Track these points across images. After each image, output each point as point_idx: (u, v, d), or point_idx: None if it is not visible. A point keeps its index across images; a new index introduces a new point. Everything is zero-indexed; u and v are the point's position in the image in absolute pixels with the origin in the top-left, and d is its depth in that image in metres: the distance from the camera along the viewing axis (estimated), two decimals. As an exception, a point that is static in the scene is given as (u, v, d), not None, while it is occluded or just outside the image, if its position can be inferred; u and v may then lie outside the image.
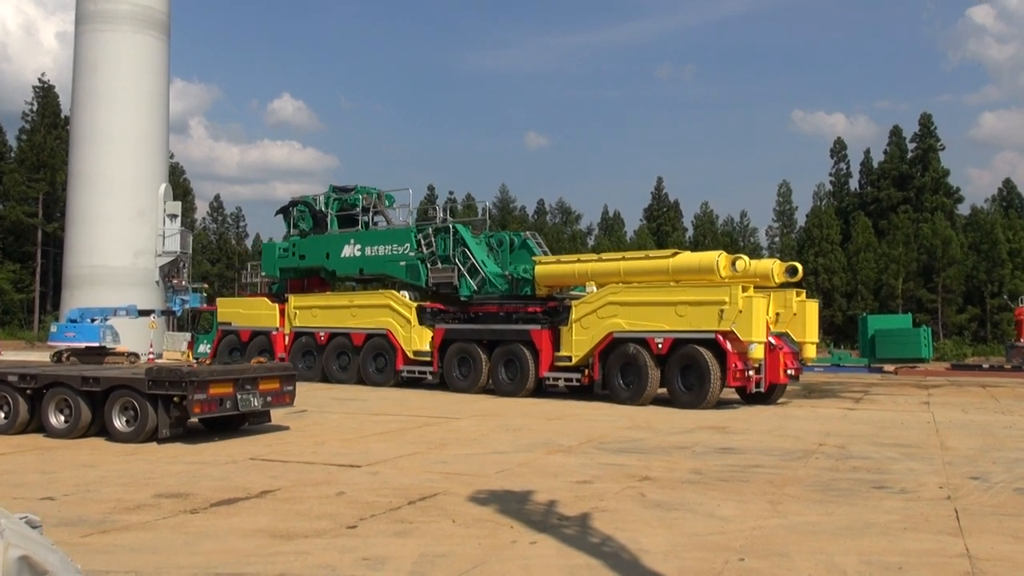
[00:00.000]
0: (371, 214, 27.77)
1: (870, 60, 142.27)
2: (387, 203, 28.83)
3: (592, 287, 21.99)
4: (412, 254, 25.48)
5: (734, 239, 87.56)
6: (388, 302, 25.30)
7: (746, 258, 21.17)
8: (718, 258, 20.33)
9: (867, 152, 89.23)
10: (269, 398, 13.97)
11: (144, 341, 40.77)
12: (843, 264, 74.95)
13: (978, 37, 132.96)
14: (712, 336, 19.40)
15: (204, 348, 30.43)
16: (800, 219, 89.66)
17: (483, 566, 6.37)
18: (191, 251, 48.89)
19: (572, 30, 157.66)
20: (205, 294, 53.69)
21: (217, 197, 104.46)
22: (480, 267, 24.25)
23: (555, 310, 22.40)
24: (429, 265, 25.07)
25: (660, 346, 20.01)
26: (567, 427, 15.79)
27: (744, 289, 19.38)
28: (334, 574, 6.14)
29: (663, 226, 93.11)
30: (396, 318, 25.02)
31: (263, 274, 30.51)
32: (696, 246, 79.50)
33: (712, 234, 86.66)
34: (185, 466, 10.87)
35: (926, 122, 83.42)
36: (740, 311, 19.05)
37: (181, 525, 7.64)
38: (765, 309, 20.09)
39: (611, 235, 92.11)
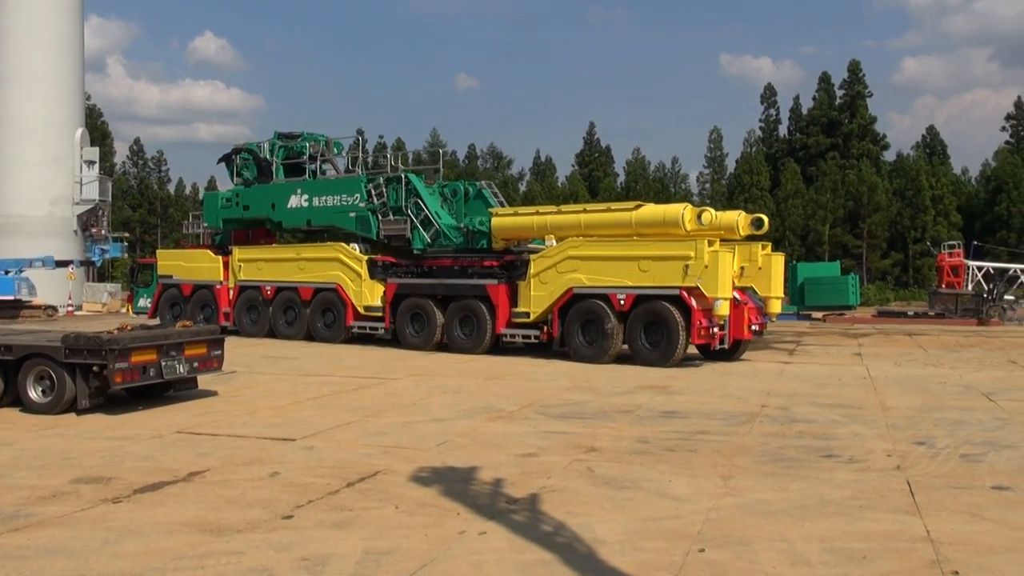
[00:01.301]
0: (319, 163, 26.48)
1: (795, 5, 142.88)
2: (335, 151, 27.69)
3: (551, 241, 21.34)
4: (362, 205, 24.40)
5: (665, 185, 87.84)
6: (337, 255, 24.35)
7: (712, 211, 20.54)
8: (683, 211, 19.61)
9: (796, 99, 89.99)
10: (196, 364, 13.33)
11: (62, 293, 39.37)
12: (772, 210, 75.78)
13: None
14: (676, 292, 18.82)
15: (144, 302, 29.11)
16: (731, 165, 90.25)
17: (432, 564, 5.97)
18: (111, 198, 47.14)
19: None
20: (126, 243, 52.12)
21: (137, 140, 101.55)
22: (434, 219, 23.26)
23: (512, 264, 21.62)
24: (380, 217, 24.06)
25: (622, 302, 19.38)
26: (507, 388, 15.45)
27: (710, 243, 18.83)
28: (271, 579, 5.69)
29: (595, 171, 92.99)
30: (346, 272, 24.11)
31: (205, 225, 29.14)
32: (628, 192, 79.63)
33: (644, 180, 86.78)
34: (107, 442, 10.24)
35: (854, 69, 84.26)
36: (706, 266, 18.47)
37: (102, 518, 7.08)
38: (731, 264, 19.55)
39: (543, 181, 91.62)
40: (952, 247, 52.45)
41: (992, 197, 75.77)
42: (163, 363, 12.57)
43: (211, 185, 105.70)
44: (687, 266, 18.62)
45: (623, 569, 5.92)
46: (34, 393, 12.26)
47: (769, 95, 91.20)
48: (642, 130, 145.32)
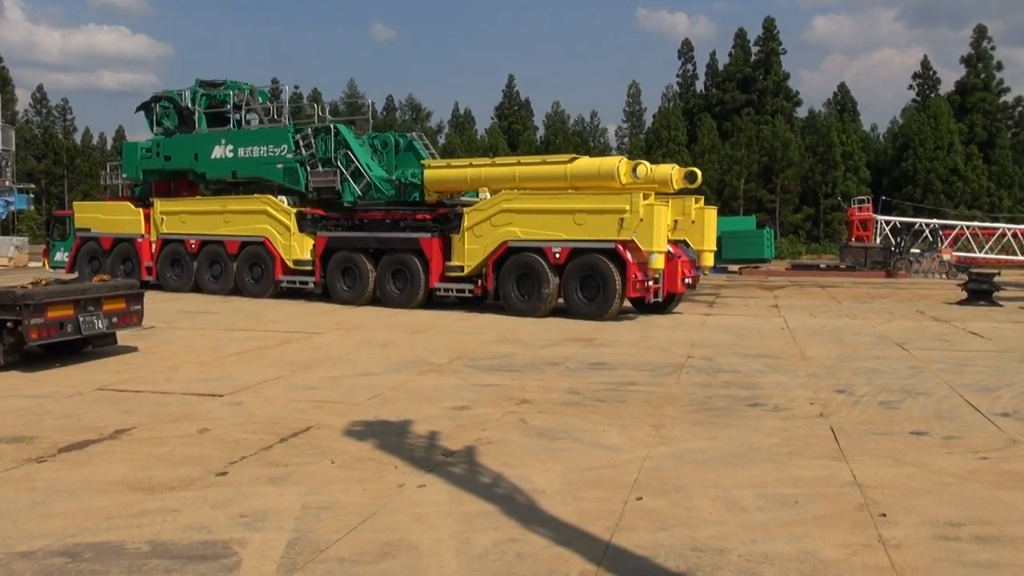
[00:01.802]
0: (243, 112, 25.56)
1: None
2: (260, 100, 26.72)
3: (485, 193, 21.05)
4: (290, 156, 23.65)
5: (584, 139, 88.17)
6: (265, 208, 23.70)
7: (647, 164, 20.40)
8: (619, 164, 19.51)
9: (712, 55, 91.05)
10: (115, 319, 12.94)
11: (-35, 247, 37.80)
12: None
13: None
14: (612, 246, 18.77)
15: (61, 256, 27.88)
16: (648, 120, 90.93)
17: (373, 518, 5.95)
18: (14, 148, 45.23)
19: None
20: (32, 195, 50.21)
21: (40, 88, 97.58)
22: (365, 171, 22.68)
23: (446, 217, 21.30)
24: (309, 168, 23.34)
25: (558, 256, 19.31)
26: (434, 342, 15.41)
27: (645, 197, 18.72)
28: (210, 536, 5.59)
29: (514, 124, 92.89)
30: (274, 225, 23.48)
31: (124, 176, 27.96)
32: (547, 146, 79.77)
33: (564, 134, 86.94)
34: (25, 400, 9.90)
35: (769, 26, 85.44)
36: (641, 219, 18.42)
37: (27, 479, 6.86)
38: (666, 217, 19.55)
39: (462, 134, 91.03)
40: (861, 202, 53.89)
41: (899, 154, 78.02)
42: (81, 319, 12.18)
43: (119, 135, 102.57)
44: (622, 219, 18.57)
45: (564, 518, 5.98)
46: (-57, 350, 11.76)
47: (686, 50, 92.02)
48: (561, 84, 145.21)
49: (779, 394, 10.67)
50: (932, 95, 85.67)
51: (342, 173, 22.86)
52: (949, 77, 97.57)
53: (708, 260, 22.82)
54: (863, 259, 46.83)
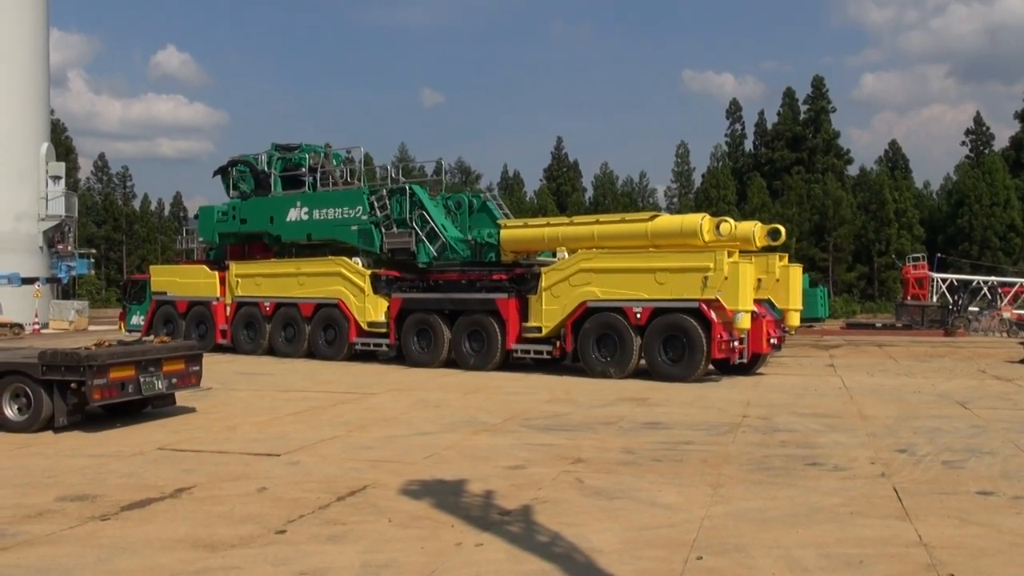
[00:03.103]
0: (318, 174, 25.51)
1: (755, 21, 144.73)
2: (335, 162, 26.87)
3: (563, 253, 20.76)
4: (365, 217, 23.62)
5: (634, 199, 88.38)
6: (339, 269, 23.63)
7: (731, 221, 19.90)
8: (701, 221, 19.10)
9: (761, 113, 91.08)
10: (174, 380, 13.16)
11: (29, 311, 38.81)
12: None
13: (858, 1, 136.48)
14: (696, 305, 18.23)
15: (137, 320, 28.19)
16: (697, 179, 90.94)
17: (432, 577, 5.95)
18: (76, 214, 46.55)
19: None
20: (92, 260, 51.50)
21: (102, 156, 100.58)
22: (440, 231, 22.50)
23: (522, 277, 20.93)
24: (384, 229, 23.26)
25: (639, 316, 18.79)
26: (487, 402, 15.42)
27: (730, 254, 18.27)
28: (271, 593, 5.63)
29: (563, 186, 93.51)
30: (348, 287, 23.40)
31: (200, 239, 28.35)
32: (596, 207, 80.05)
33: (612, 194, 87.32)
34: (88, 460, 10.10)
35: (818, 84, 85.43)
36: (726, 278, 17.91)
37: (92, 535, 6.98)
38: (752, 275, 18.96)
39: (511, 195, 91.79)
40: (917, 260, 53.22)
41: (954, 210, 76.95)
42: (142, 379, 12.41)
43: (177, 200, 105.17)
44: (706, 278, 18.10)
45: (624, 578, 5.93)
46: (10, 411, 12.03)
47: (734, 110, 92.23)
48: (610, 144, 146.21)
49: (838, 453, 10.49)
50: (986, 151, 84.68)
51: (417, 234, 22.72)
52: (1003, 133, 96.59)
53: (794, 320, 21.85)
54: (920, 318, 46.09)
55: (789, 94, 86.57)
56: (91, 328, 40.51)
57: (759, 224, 20.58)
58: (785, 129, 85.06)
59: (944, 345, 34.11)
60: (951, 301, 45.95)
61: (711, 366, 19.40)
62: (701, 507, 7.85)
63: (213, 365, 19.95)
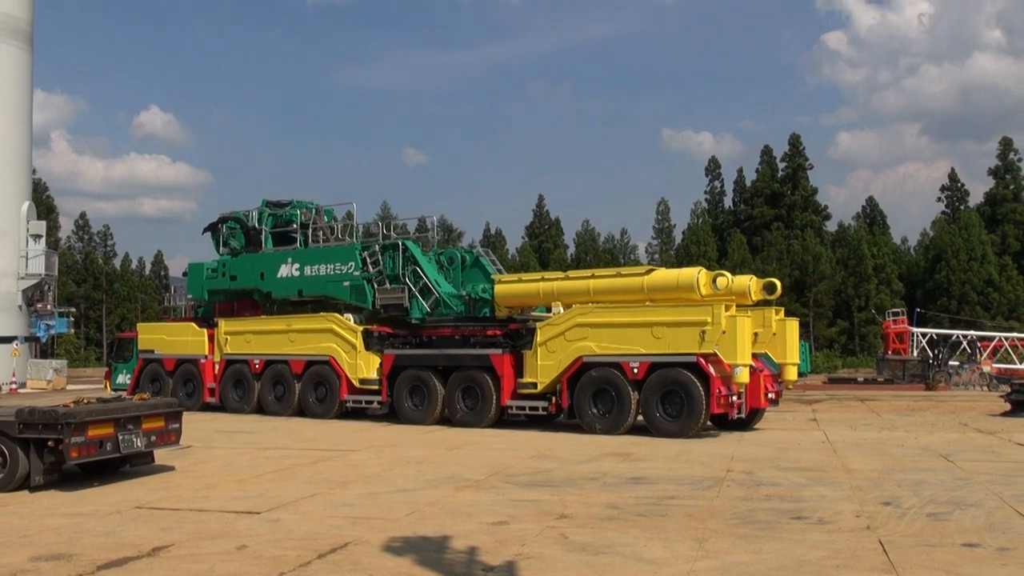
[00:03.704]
0: (310, 230, 25.46)
1: (732, 82, 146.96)
2: (326, 219, 26.77)
3: (559, 308, 20.58)
4: (357, 273, 23.39)
5: (615, 256, 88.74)
6: (331, 326, 23.39)
7: (728, 275, 19.89)
8: (698, 275, 19.09)
9: (740, 171, 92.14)
10: (153, 437, 13.01)
11: (6, 370, 38.37)
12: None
13: (832, 62, 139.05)
14: (694, 359, 18.04)
15: (123, 379, 27.72)
16: (678, 236, 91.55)
17: (414, 634, 5.84)
18: (56, 273, 46.27)
19: (443, 47, 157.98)
20: (72, 318, 51.10)
21: (83, 215, 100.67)
22: (433, 287, 22.29)
23: (517, 333, 20.77)
24: (376, 285, 23.06)
25: (636, 371, 18.60)
26: (469, 458, 15.30)
27: (727, 308, 18.18)
28: (250, 653, 5.51)
29: (545, 243, 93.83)
30: (340, 343, 23.14)
31: (188, 296, 28.04)
32: (578, 263, 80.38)
33: (594, 251, 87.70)
34: (64, 519, 9.92)
35: (795, 142, 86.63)
36: (724, 332, 17.77)
37: (66, 596, 6.84)
38: (750, 329, 18.72)
39: (494, 252, 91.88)
40: (896, 315, 53.55)
41: (932, 265, 77.69)
42: (120, 437, 12.27)
43: (158, 259, 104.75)
44: (704, 332, 17.94)
45: (610, 633, 5.84)
46: (-15, 470, 11.85)
47: (713, 167, 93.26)
48: (590, 202, 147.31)
49: (823, 507, 10.45)
50: (961, 207, 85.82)
51: (410, 289, 22.53)
52: (977, 189, 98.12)
53: (791, 374, 21.45)
54: (901, 372, 46.26)
55: (767, 152, 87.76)
56: (69, 387, 40.03)
57: (754, 278, 20.51)
58: (764, 186, 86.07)
59: (926, 399, 34.17)
60: (931, 355, 46.15)
61: (708, 422, 19.04)
62: (687, 561, 7.77)
63: (193, 423, 19.76)
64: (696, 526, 9.32)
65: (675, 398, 18.41)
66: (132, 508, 10.58)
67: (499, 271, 23.21)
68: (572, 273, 22.03)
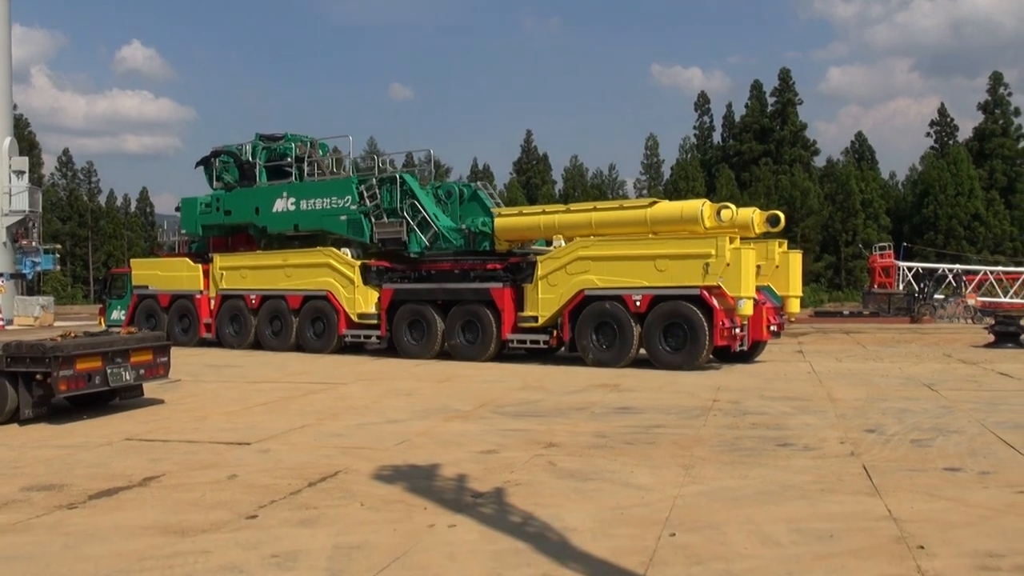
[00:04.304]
0: (305, 164, 25.02)
1: (722, 16, 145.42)
2: (321, 152, 26.40)
3: (560, 241, 20.43)
4: (354, 207, 23.12)
5: (603, 191, 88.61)
6: (328, 260, 23.12)
7: (732, 207, 19.38)
8: (702, 207, 18.85)
9: (729, 106, 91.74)
10: (142, 371, 13.02)
11: (-8, 307, 38.23)
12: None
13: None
14: (697, 292, 17.95)
15: (118, 315, 27.52)
16: (667, 172, 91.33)
17: (405, 557, 5.92)
18: (41, 209, 45.89)
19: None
20: (58, 255, 50.80)
21: (66, 151, 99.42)
22: (432, 220, 22.04)
23: (518, 266, 20.63)
24: (374, 219, 22.81)
25: (638, 304, 18.51)
26: (459, 390, 15.40)
27: (731, 240, 18.02)
28: (242, 576, 5.58)
29: (533, 179, 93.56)
30: (337, 278, 22.90)
31: (182, 231, 27.71)
32: (566, 199, 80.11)
33: (582, 187, 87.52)
34: (55, 451, 9.96)
35: (785, 77, 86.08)
36: (728, 264, 17.67)
37: (59, 524, 6.88)
38: (754, 262, 18.59)
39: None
40: (883, 249, 53.79)
41: (920, 200, 77.87)
42: (109, 370, 12.27)
43: (144, 196, 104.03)
44: (707, 264, 17.85)
45: (598, 555, 5.93)
46: (-26, 404, 11.85)
47: (702, 103, 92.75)
48: (579, 137, 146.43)
49: (808, 434, 10.57)
50: (950, 142, 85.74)
51: (408, 223, 22.37)
52: (967, 125, 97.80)
53: (794, 307, 21.51)
54: (887, 305, 46.67)
55: (756, 87, 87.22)
56: (57, 324, 39.95)
57: (758, 210, 20.28)
58: (753, 121, 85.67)
59: (910, 331, 34.50)
60: (917, 289, 46.49)
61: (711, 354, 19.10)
62: (673, 487, 7.87)
63: (182, 358, 19.78)
64: (683, 453, 9.42)
65: (678, 331, 18.37)
66: (122, 440, 10.63)
67: (497, 204, 22.94)
68: (574, 206, 21.78)
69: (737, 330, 18.46)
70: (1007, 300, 47.04)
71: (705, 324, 17.95)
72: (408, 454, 9.53)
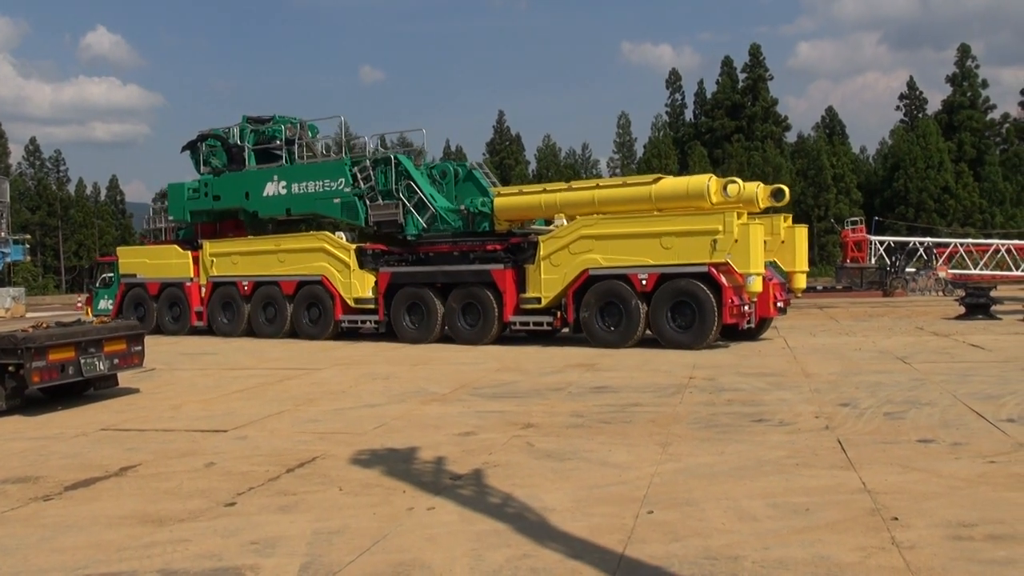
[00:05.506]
0: (296, 146, 24.45)
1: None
2: (311, 134, 25.86)
3: (561, 220, 20.26)
4: (348, 190, 22.68)
5: (576, 171, 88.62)
6: (322, 245, 22.77)
7: (740, 181, 19.05)
8: (708, 182, 18.51)
9: (700, 83, 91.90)
10: (116, 360, 12.93)
11: (-39, 299, 37.77)
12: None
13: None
14: (705, 269, 17.75)
15: (105, 304, 27.07)
16: (640, 150, 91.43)
17: (385, 540, 5.93)
18: (8, 200, 45.34)
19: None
20: (28, 245, 50.25)
21: (33, 140, 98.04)
22: (429, 201, 21.64)
23: (519, 247, 20.31)
24: (368, 202, 22.43)
25: (644, 282, 18.27)
26: (435, 373, 15.40)
27: (738, 216, 17.73)
28: (222, 563, 5.56)
29: (506, 159, 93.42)
30: (332, 262, 22.57)
31: (170, 218, 27.17)
32: (540, 179, 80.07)
33: (555, 166, 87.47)
34: (29, 442, 9.88)
35: (755, 52, 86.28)
36: (736, 240, 17.41)
37: (35, 516, 6.84)
38: (762, 237, 18.24)
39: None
40: (855, 223, 54.19)
41: (890, 174, 78.48)
42: (82, 360, 12.17)
43: (113, 184, 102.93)
44: (715, 241, 17.62)
45: (576, 533, 5.96)
46: (-55, 397, 11.73)
47: (674, 80, 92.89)
48: (551, 117, 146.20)
49: (783, 410, 10.67)
50: (920, 115, 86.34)
51: (405, 205, 21.99)
52: (935, 98, 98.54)
53: (800, 282, 21.44)
54: (859, 279, 47.09)
55: (727, 63, 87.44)
56: (29, 315, 39.57)
57: (762, 184, 20.04)
58: (724, 98, 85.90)
59: (883, 305, 34.85)
60: (889, 263, 46.93)
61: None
62: (651, 465, 7.92)
63: (156, 347, 19.69)
64: (659, 431, 9.48)
65: (686, 309, 18.18)
66: (98, 430, 10.56)
67: (493, 184, 22.59)
68: (576, 184, 21.51)
69: (746, 307, 18.26)
70: (977, 272, 47.61)
71: (714, 302, 17.75)
72: (386, 438, 9.53)
